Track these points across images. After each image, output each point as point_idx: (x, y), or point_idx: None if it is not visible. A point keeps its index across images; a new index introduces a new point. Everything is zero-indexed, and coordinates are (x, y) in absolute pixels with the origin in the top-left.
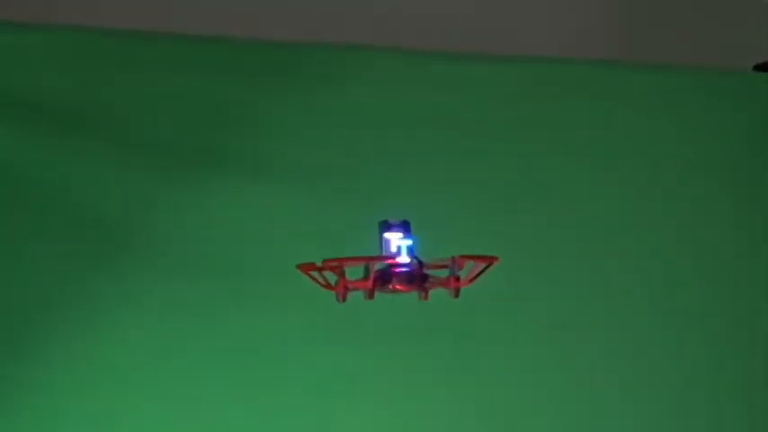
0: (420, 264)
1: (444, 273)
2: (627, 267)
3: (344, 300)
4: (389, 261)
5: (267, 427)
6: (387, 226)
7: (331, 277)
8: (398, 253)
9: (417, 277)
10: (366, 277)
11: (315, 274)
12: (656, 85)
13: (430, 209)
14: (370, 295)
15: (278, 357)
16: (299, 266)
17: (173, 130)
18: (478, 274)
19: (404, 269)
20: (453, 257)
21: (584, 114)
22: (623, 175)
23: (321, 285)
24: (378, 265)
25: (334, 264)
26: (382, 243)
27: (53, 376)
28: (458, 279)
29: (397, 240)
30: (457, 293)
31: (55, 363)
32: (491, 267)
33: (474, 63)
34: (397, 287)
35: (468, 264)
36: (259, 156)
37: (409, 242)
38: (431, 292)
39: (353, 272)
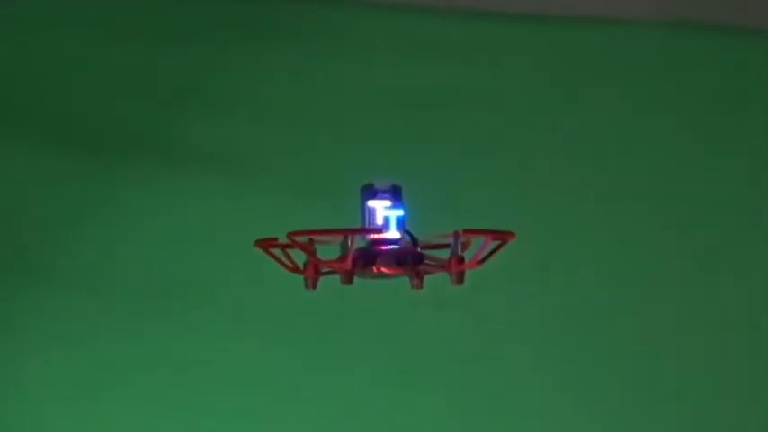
0: (413, 240)
1: (445, 253)
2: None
3: (315, 286)
4: (373, 236)
5: None
6: (371, 192)
7: (299, 258)
8: (385, 226)
9: (409, 257)
10: (343, 256)
11: (277, 252)
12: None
13: (426, 170)
14: (348, 279)
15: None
16: (258, 243)
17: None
18: (489, 255)
19: (391, 246)
20: (456, 232)
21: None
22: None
23: (285, 267)
24: (358, 241)
25: (302, 238)
26: (365, 213)
27: None
28: (461, 260)
29: (383, 210)
30: (460, 279)
31: None
32: (505, 246)
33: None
34: (383, 270)
35: (476, 241)
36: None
37: (399, 212)
38: (426, 278)
39: (327, 251)
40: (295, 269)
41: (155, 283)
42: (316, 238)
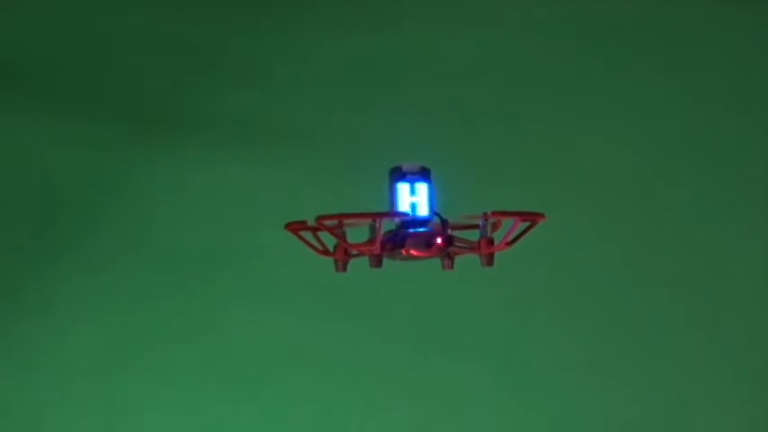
0: (443, 222)
1: (475, 234)
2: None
3: (345, 269)
4: (402, 218)
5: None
6: (400, 174)
7: (328, 241)
8: (414, 209)
9: (439, 240)
10: (372, 240)
11: (307, 235)
12: None
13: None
14: (377, 263)
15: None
16: (288, 226)
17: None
18: (519, 237)
19: (421, 229)
20: (486, 214)
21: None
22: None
23: (315, 250)
24: (387, 225)
25: (332, 222)
26: (394, 195)
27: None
28: (491, 242)
29: (409, 196)
30: (490, 261)
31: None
32: (534, 227)
33: None
34: (413, 252)
35: (506, 222)
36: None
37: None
38: (457, 260)
39: (357, 233)
40: (325, 252)
41: (188, 257)
42: (345, 221)
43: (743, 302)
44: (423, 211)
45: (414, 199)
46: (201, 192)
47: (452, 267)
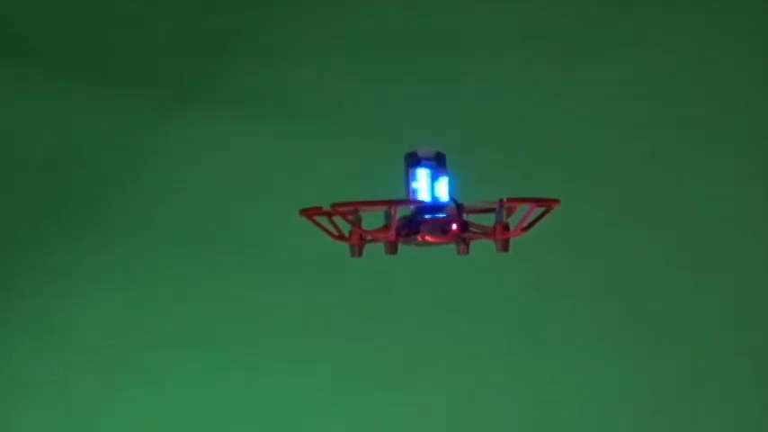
0: (459, 208)
1: (491, 218)
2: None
3: (360, 254)
4: (417, 205)
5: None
6: (415, 160)
7: (344, 226)
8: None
9: (454, 226)
10: (387, 226)
11: (322, 221)
12: None
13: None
14: (392, 249)
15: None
16: (303, 212)
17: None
18: (533, 223)
19: (436, 215)
20: (501, 200)
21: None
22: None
23: (331, 236)
24: (402, 211)
25: (347, 209)
26: (409, 181)
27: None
28: (506, 228)
29: (427, 178)
30: (506, 246)
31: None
32: (549, 213)
33: None
34: (428, 238)
35: (521, 208)
36: (256, 84)
37: (443, 181)
38: (472, 244)
39: (372, 220)
40: (340, 237)
41: (207, 231)
42: (360, 208)
43: (763, 282)
44: (438, 196)
45: (419, 185)
46: (222, 165)
47: (468, 252)
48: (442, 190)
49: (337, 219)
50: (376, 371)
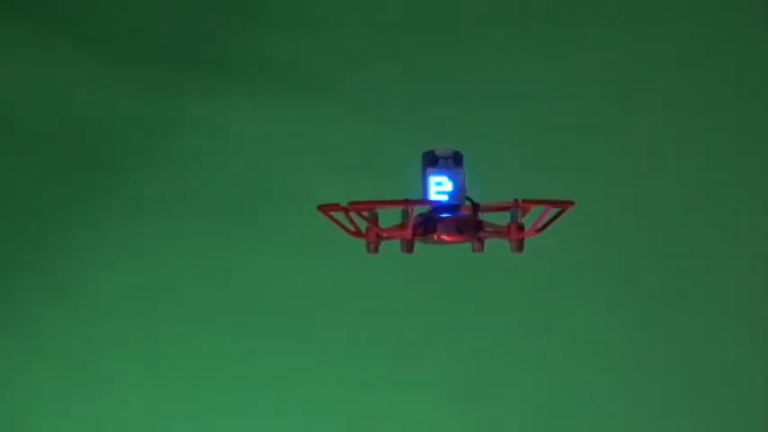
0: (475, 207)
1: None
2: None
3: (377, 251)
4: (434, 204)
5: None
6: (432, 158)
7: (361, 223)
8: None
9: (470, 225)
10: (404, 224)
11: (340, 217)
12: None
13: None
14: (408, 248)
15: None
16: (320, 208)
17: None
18: (548, 223)
19: (452, 214)
20: (517, 200)
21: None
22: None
23: (348, 232)
24: (419, 209)
25: (363, 207)
26: (426, 180)
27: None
28: (521, 228)
29: (443, 178)
30: (520, 246)
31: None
32: (564, 215)
33: None
34: (444, 237)
35: (536, 210)
36: (280, 59)
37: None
38: (487, 243)
39: (389, 216)
40: (357, 233)
41: (227, 202)
42: (376, 207)
43: None
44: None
45: (442, 188)
46: (240, 137)
47: (482, 250)
48: (459, 189)
49: (354, 215)
50: (391, 347)
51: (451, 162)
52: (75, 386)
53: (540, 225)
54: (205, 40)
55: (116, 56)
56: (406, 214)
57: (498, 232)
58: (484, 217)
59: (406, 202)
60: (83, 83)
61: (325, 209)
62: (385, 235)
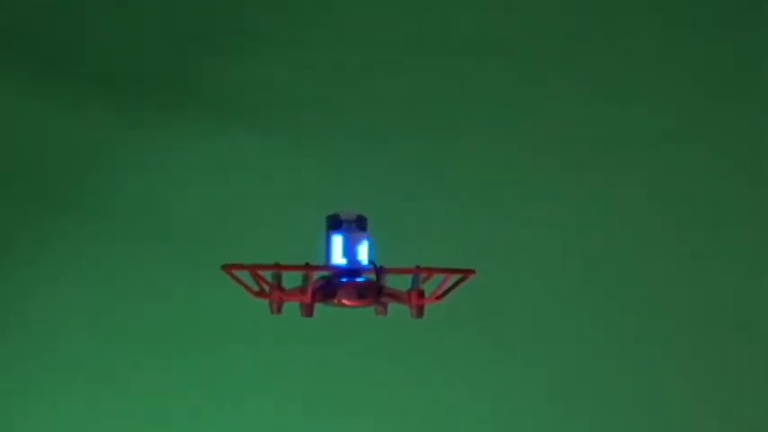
0: (378, 271)
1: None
2: None
3: (280, 311)
4: (336, 269)
5: None
6: (336, 221)
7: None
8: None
9: (371, 290)
10: (303, 287)
11: (243, 277)
12: None
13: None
14: (308, 311)
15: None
16: (224, 267)
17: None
18: (449, 290)
19: (353, 279)
20: (418, 266)
21: None
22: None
23: (250, 292)
24: (319, 273)
25: (265, 272)
26: (329, 244)
27: None
28: (421, 295)
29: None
30: (420, 312)
31: None
32: (465, 282)
33: None
34: (344, 302)
35: (437, 277)
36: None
37: (364, 244)
38: (390, 306)
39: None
40: (260, 294)
41: (192, 227)
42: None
43: None
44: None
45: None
46: (206, 161)
47: (386, 314)
48: (362, 253)
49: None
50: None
51: (354, 226)
52: (15, 407)
53: (440, 292)
54: (169, 68)
55: (77, 80)
56: (306, 278)
57: (399, 297)
58: (389, 281)
59: (307, 266)
60: (25, 112)
61: (228, 269)
62: (285, 298)
